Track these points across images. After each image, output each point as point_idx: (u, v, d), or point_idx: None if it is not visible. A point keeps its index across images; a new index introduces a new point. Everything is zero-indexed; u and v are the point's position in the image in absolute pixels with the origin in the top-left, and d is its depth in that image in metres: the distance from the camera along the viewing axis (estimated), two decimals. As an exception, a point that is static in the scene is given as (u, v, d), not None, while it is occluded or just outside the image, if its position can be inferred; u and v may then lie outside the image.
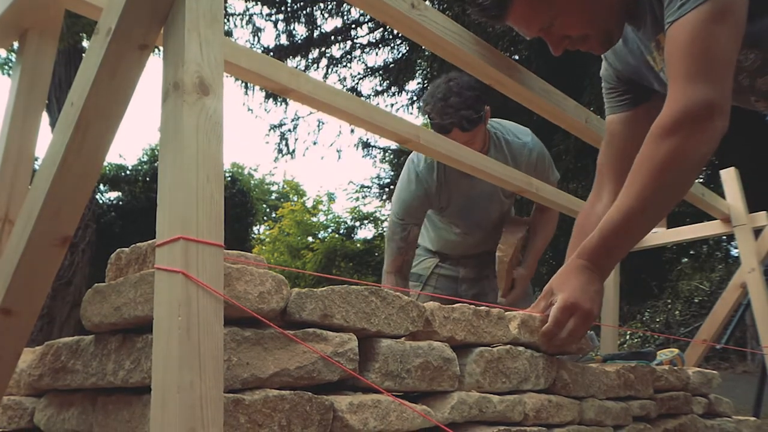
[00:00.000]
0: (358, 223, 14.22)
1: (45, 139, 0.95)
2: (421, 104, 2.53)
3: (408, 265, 2.47)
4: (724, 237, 8.21)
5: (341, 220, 14.69)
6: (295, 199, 16.64)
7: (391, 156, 11.14)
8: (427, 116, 2.30)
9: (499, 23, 1.40)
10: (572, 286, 1.26)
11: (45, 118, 5.81)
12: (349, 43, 9.92)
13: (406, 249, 2.42)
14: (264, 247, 15.32)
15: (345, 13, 9.29)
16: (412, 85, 10.29)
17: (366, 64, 10.10)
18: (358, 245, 13.34)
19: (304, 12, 9.15)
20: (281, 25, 9.18)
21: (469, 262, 2.57)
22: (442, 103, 2.17)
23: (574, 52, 1.58)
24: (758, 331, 2.58)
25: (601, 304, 1.29)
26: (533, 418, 1.15)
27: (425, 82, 10.03)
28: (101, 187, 12.55)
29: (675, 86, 1.20)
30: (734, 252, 8.76)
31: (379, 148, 11.21)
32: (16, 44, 1.16)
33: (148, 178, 12.86)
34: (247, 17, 9.10)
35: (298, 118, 10.42)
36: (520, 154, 2.38)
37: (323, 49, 9.65)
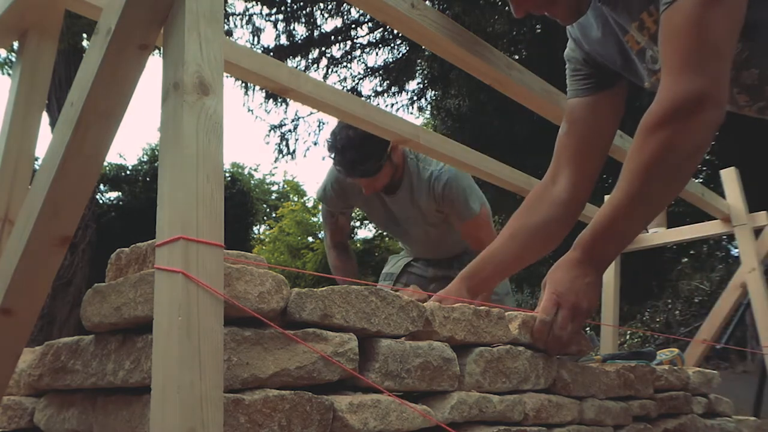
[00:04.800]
0: (357, 223, 14.21)
1: (45, 139, 0.95)
2: (327, 141, 2.50)
3: (346, 242, 2.61)
4: (724, 237, 8.21)
5: (341, 220, 14.63)
6: (296, 199, 16.63)
7: (391, 156, 11.13)
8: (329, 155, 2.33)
9: None
10: (559, 279, 1.25)
11: (45, 118, 5.81)
12: (349, 43, 9.92)
13: (338, 232, 2.58)
14: (264, 247, 15.29)
15: (345, 13, 9.28)
16: (412, 85, 10.30)
17: (366, 64, 10.11)
18: (358, 245, 13.33)
19: (304, 12, 9.14)
20: (281, 25, 9.18)
21: (438, 263, 2.59)
22: (340, 157, 2.20)
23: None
24: (758, 331, 2.58)
25: (594, 297, 1.26)
26: (533, 418, 1.15)
27: (425, 82, 10.04)
28: (101, 187, 12.55)
29: (666, 77, 1.17)
30: (734, 252, 8.75)
31: (379, 148, 11.19)
32: (16, 44, 1.16)
33: (148, 178, 12.86)
34: (247, 17, 9.10)
35: (299, 118, 10.41)
36: (425, 184, 2.31)
37: (323, 49, 9.64)
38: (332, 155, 2.26)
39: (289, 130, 10.38)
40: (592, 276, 1.25)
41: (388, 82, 10.07)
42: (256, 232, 17.59)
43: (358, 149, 2.16)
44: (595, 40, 1.47)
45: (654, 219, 2.17)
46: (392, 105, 10.24)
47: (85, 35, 6.98)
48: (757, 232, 2.76)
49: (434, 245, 2.51)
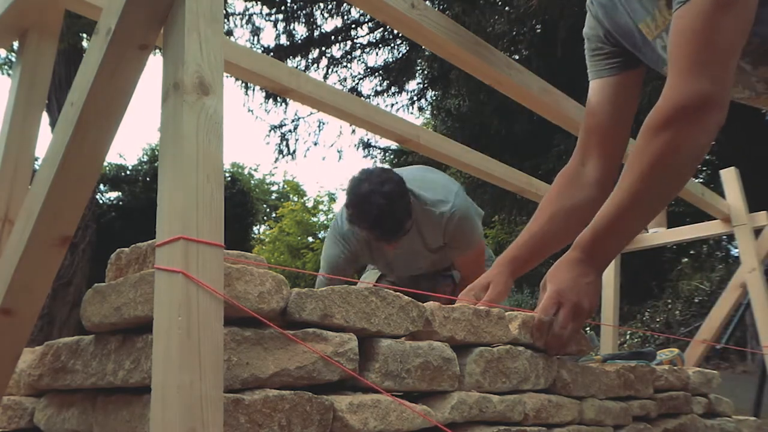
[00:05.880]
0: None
1: (45, 139, 0.95)
2: (348, 215, 2.19)
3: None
4: (724, 237, 8.21)
5: (341, 220, 14.62)
6: (296, 199, 16.62)
7: (392, 156, 11.13)
8: (356, 228, 2.19)
9: None
10: (561, 278, 1.25)
11: (45, 118, 5.81)
12: (349, 43, 9.91)
13: (338, 278, 2.43)
14: (264, 247, 15.31)
15: (345, 13, 9.28)
16: (412, 85, 10.29)
17: (366, 64, 10.10)
18: (358, 245, 13.30)
19: (304, 12, 9.14)
20: (281, 25, 9.17)
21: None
22: (380, 230, 2.08)
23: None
24: (758, 331, 2.58)
25: (595, 297, 1.26)
26: (533, 418, 1.15)
27: (425, 82, 10.04)
28: (101, 187, 12.55)
29: (673, 77, 1.18)
30: (734, 252, 8.75)
31: (380, 148, 11.20)
32: (16, 44, 1.16)
33: (148, 178, 12.87)
34: (247, 17, 9.10)
35: (299, 118, 10.40)
36: (435, 220, 2.25)
37: (323, 49, 9.64)
38: (366, 228, 2.12)
39: (289, 130, 10.37)
40: (592, 275, 1.26)
41: (388, 82, 10.06)
42: (256, 232, 17.60)
43: (394, 214, 2.05)
44: (618, 21, 1.47)
45: (654, 218, 2.16)
46: (392, 105, 10.23)
47: (85, 35, 6.98)
48: (757, 232, 2.76)
49: (428, 269, 2.49)
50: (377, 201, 2.02)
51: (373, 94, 10.10)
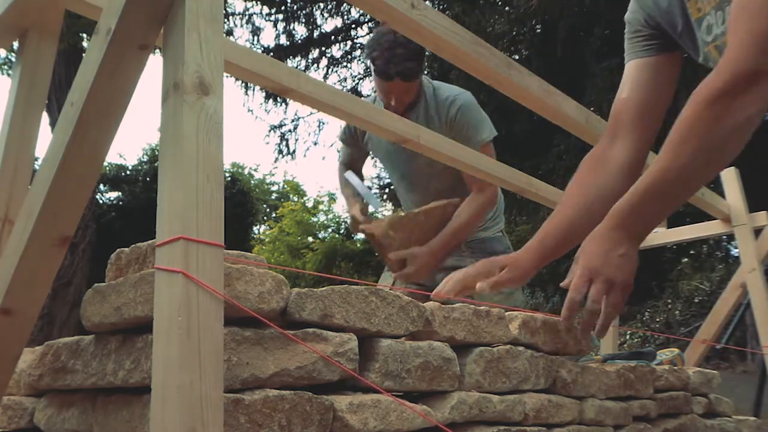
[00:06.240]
0: (358, 223, 14.19)
1: (45, 139, 0.95)
2: (365, 54, 3.15)
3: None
4: (724, 237, 8.20)
5: (341, 220, 14.70)
6: (296, 199, 16.62)
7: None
8: (370, 62, 2.36)
9: None
10: (592, 253, 1.22)
11: (45, 118, 5.81)
12: (349, 43, 9.92)
13: (353, 164, 2.73)
14: (264, 247, 15.31)
15: (345, 13, 9.28)
16: (412, 85, 10.27)
17: (366, 64, 10.10)
18: (358, 245, 13.33)
19: (304, 12, 9.14)
20: (281, 25, 9.19)
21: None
22: (389, 52, 2.23)
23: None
24: (758, 331, 2.58)
25: (628, 269, 1.22)
26: (533, 417, 1.15)
27: (425, 82, 10.02)
28: (101, 187, 12.55)
29: (731, 47, 1.16)
30: (734, 252, 8.75)
31: (380, 148, 11.19)
32: (16, 44, 1.16)
33: (148, 178, 12.87)
34: (247, 17, 9.11)
35: (299, 118, 10.41)
36: (441, 107, 2.36)
37: (323, 49, 9.64)
38: (376, 55, 2.26)
39: (289, 130, 10.38)
40: (625, 246, 1.22)
41: (388, 82, 10.04)
42: (256, 232, 17.60)
43: (408, 48, 2.20)
44: (660, 5, 1.46)
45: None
46: (392, 105, 10.22)
47: (85, 35, 6.98)
48: (757, 232, 2.76)
49: (442, 193, 2.46)
50: (393, 36, 2.21)
51: (373, 93, 10.09)
